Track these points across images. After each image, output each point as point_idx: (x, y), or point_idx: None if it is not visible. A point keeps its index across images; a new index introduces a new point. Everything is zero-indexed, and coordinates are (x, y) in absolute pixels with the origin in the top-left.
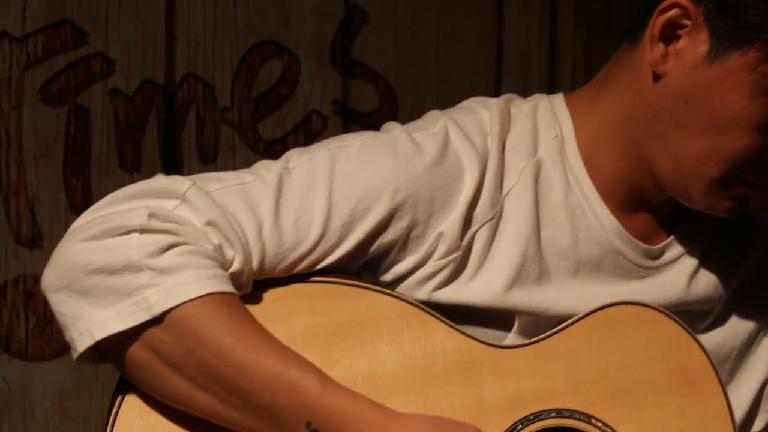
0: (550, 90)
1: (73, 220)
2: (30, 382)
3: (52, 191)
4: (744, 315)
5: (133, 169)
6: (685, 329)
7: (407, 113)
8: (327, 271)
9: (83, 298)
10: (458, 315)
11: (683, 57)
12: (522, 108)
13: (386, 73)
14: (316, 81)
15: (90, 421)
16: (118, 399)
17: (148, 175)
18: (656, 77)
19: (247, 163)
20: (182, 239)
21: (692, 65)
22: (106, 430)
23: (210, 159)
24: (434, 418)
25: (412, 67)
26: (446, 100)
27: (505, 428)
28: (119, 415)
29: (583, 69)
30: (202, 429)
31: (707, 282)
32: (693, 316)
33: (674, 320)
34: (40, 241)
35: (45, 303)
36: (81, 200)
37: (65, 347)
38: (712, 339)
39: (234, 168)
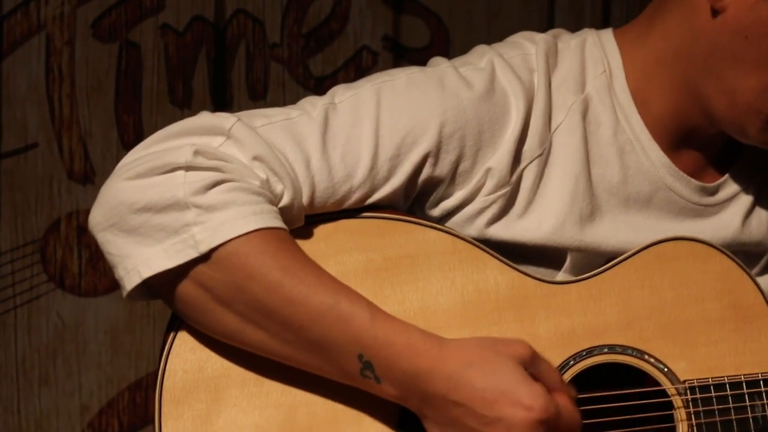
0: (604, 26)
1: (125, 155)
2: (83, 317)
3: (103, 127)
4: None
5: (184, 105)
6: (739, 265)
7: (458, 49)
8: (378, 207)
9: (130, 237)
10: (510, 252)
11: None
12: (569, 43)
13: (438, 8)
14: (366, 17)
15: (142, 355)
16: (171, 335)
17: (199, 111)
18: (714, 12)
19: (297, 100)
20: (228, 176)
21: (753, 0)
22: (160, 364)
23: (260, 95)
24: (484, 339)
25: (464, 2)
26: (498, 37)
27: (558, 364)
28: (173, 350)
29: (638, 3)
30: (254, 364)
31: (762, 222)
32: (748, 257)
33: (728, 256)
34: (93, 176)
35: None
36: (132, 136)
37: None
38: (767, 281)
39: (284, 105)
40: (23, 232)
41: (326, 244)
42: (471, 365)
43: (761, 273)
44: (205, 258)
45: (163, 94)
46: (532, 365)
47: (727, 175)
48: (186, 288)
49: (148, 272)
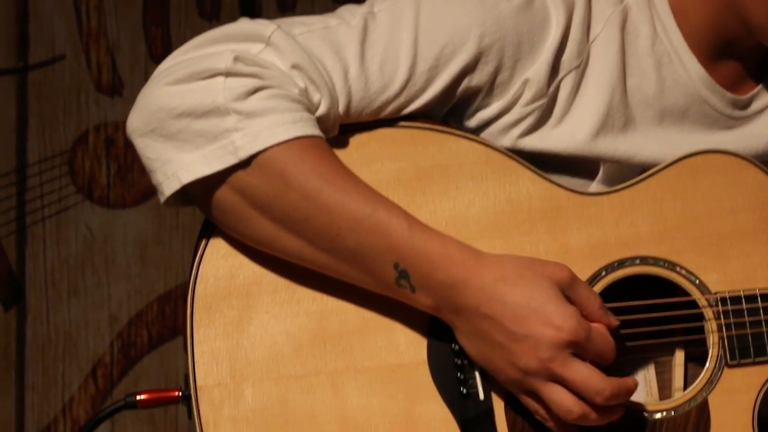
0: None
1: (153, 68)
2: (111, 229)
3: (131, 39)
4: None
5: (212, 17)
6: None
7: None
8: (412, 117)
9: (169, 142)
10: (543, 163)
11: None
12: None
13: None
14: None
15: (171, 267)
16: (204, 242)
17: (227, 23)
18: None
19: (326, 11)
20: (268, 83)
21: None
22: (191, 273)
23: (288, 6)
24: (522, 258)
25: None
26: None
27: (589, 275)
28: (205, 256)
29: None
30: (287, 271)
31: None
32: None
33: (761, 169)
34: (121, 88)
35: (126, 150)
36: (160, 48)
37: (146, 194)
38: None
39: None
40: (51, 144)
41: (359, 153)
42: (505, 281)
43: None
44: (244, 164)
45: (191, 5)
46: (570, 289)
47: (760, 86)
48: (224, 194)
49: (188, 178)
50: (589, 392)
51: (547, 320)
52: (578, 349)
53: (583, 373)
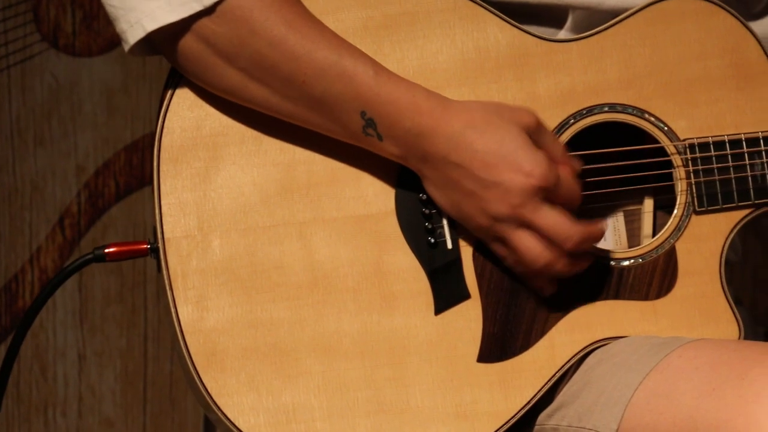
0: None
1: None
2: (78, 77)
3: None
4: None
5: None
6: (743, 24)
7: None
8: None
9: None
10: (512, 12)
11: None
12: None
13: None
14: None
15: (138, 117)
16: (169, 92)
17: None
18: None
19: None
20: None
21: None
22: (158, 122)
23: None
24: (489, 103)
25: None
26: None
27: (558, 122)
28: (170, 107)
29: None
30: (254, 122)
31: None
32: (745, 3)
33: (732, 14)
34: None
35: None
36: None
37: (112, 43)
38: (764, 26)
39: None
40: None
41: (325, 1)
42: (474, 128)
43: (759, 18)
44: (209, 11)
45: None
46: (536, 134)
47: None
48: (189, 42)
49: (152, 25)
50: (559, 237)
51: (518, 166)
52: (548, 194)
53: (553, 218)
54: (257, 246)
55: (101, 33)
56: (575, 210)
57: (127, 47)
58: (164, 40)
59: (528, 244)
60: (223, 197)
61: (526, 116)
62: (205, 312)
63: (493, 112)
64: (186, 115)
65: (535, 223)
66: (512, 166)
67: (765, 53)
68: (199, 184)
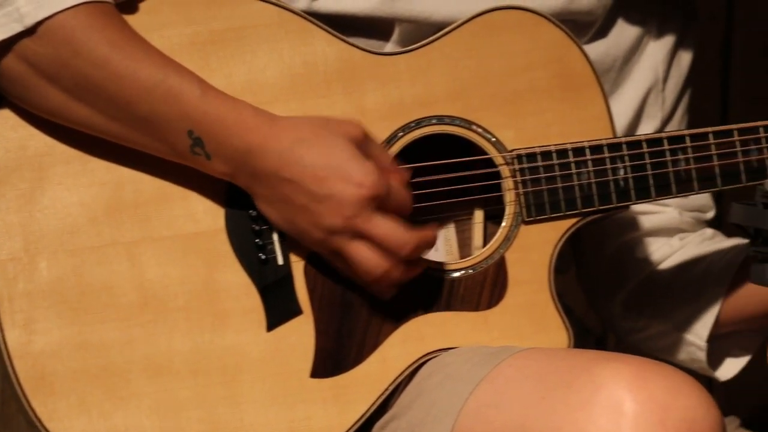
0: None
1: None
2: None
3: None
4: (627, 23)
5: None
6: (568, 35)
7: None
8: None
9: None
10: (338, 24)
11: None
12: None
13: None
14: None
15: None
16: None
17: None
18: None
19: None
20: None
21: None
22: None
23: None
24: (316, 118)
25: None
26: None
27: (387, 134)
28: None
29: None
30: (79, 141)
31: None
32: (577, 26)
33: (557, 26)
34: None
35: None
36: None
37: None
38: (596, 49)
39: None
40: None
41: (150, 18)
42: (302, 142)
43: (590, 42)
44: (30, 32)
45: None
46: (364, 145)
47: None
48: (10, 63)
49: None
50: (394, 245)
51: (348, 178)
52: (380, 204)
53: (386, 226)
54: (85, 267)
55: None
56: (407, 218)
57: None
58: None
59: (364, 255)
60: (50, 218)
61: (352, 128)
62: (33, 335)
63: (321, 125)
64: (9, 135)
65: (370, 232)
66: (343, 178)
67: (590, 65)
68: (25, 205)
